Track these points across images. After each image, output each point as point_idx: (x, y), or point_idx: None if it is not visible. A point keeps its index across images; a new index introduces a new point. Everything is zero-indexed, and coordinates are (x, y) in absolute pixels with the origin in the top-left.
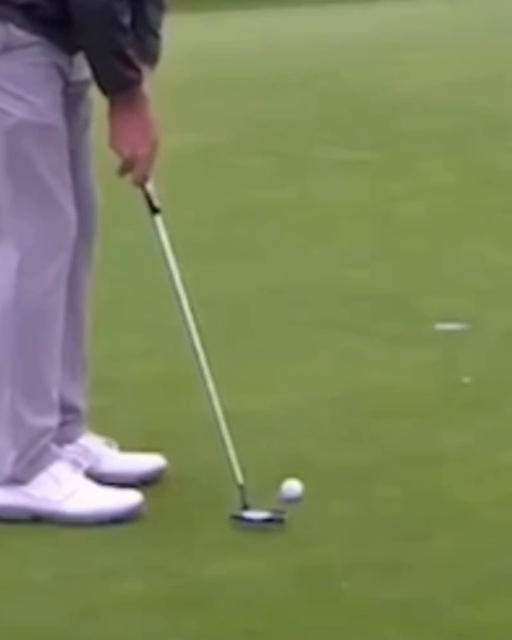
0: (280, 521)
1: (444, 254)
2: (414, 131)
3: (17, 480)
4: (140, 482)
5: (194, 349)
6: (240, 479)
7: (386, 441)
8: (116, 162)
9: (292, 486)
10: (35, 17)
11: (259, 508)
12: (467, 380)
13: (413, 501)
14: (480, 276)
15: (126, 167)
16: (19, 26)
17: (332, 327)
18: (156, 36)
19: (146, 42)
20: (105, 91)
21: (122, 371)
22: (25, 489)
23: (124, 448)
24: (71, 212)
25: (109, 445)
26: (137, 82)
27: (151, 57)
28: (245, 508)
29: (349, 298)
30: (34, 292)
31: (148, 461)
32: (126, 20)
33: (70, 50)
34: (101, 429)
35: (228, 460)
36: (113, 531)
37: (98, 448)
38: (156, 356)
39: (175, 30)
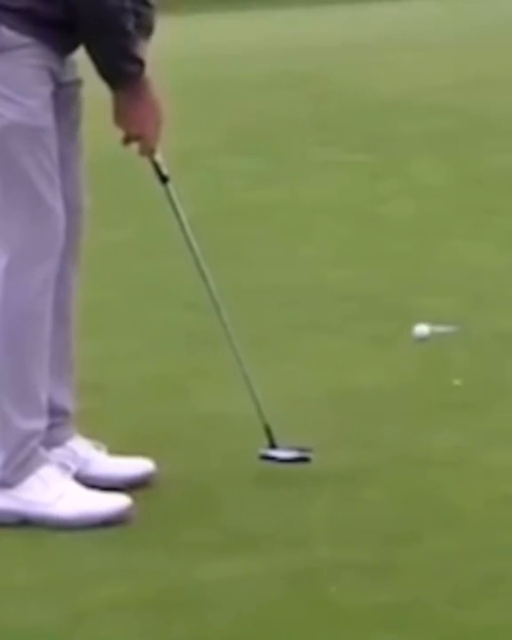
0: (306, 459)
1: (432, 255)
2: (403, 132)
3: (5, 483)
4: (128, 486)
5: (212, 299)
6: (266, 419)
7: (376, 443)
8: (120, 134)
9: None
10: (27, 19)
11: (286, 447)
12: (457, 382)
13: (404, 503)
14: (469, 277)
15: (131, 140)
16: (10, 27)
17: (321, 328)
18: (149, 6)
19: (141, 14)
20: (111, 85)
21: (110, 373)
22: (13, 492)
23: (112, 451)
24: (60, 214)
25: (98, 448)
26: (141, 73)
27: (146, 29)
28: (273, 447)
29: (338, 299)
30: (21, 294)
31: (137, 465)
32: (131, 24)
33: (62, 51)
34: (90, 432)
35: (255, 400)
36: (101, 534)
37: (86, 451)
38: (145, 358)
39: (164, 32)
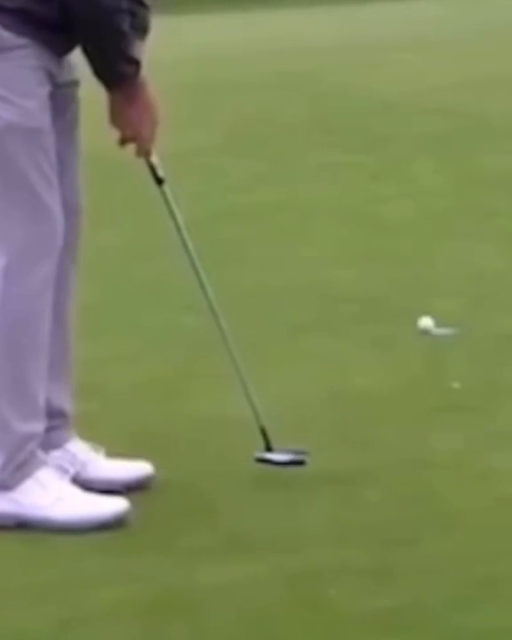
0: (301, 462)
1: (432, 256)
2: (404, 132)
3: (3, 486)
4: (126, 489)
5: (209, 303)
6: (262, 422)
7: (375, 445)
8: (116, 135)
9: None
10: (23, 19)
11: (282, 449)
12: (456, 385)
13: (403, 506)
14: (469, 278)
15: (126, 141)
16: (6, 28)
17: (321, 330)
18: (145, 6)
19: (136, 14)
20: (106, 86)
21: (107, 376)
22: (11, 495)
23: (111, 453)
24: (58, 215)
25: (96, 451)
26: (136, 74)
27: (142, 29)
28: (269, 449)
29: (338, 300)
30: (20, 296)
31: (136, 468)
32: (127, 25)
33: (59, 52)
34: (89, 435)
35: (250, 403)
36: (99, 537)
37: (84, 453)
38: (143, 360)
39: (163, 32)
